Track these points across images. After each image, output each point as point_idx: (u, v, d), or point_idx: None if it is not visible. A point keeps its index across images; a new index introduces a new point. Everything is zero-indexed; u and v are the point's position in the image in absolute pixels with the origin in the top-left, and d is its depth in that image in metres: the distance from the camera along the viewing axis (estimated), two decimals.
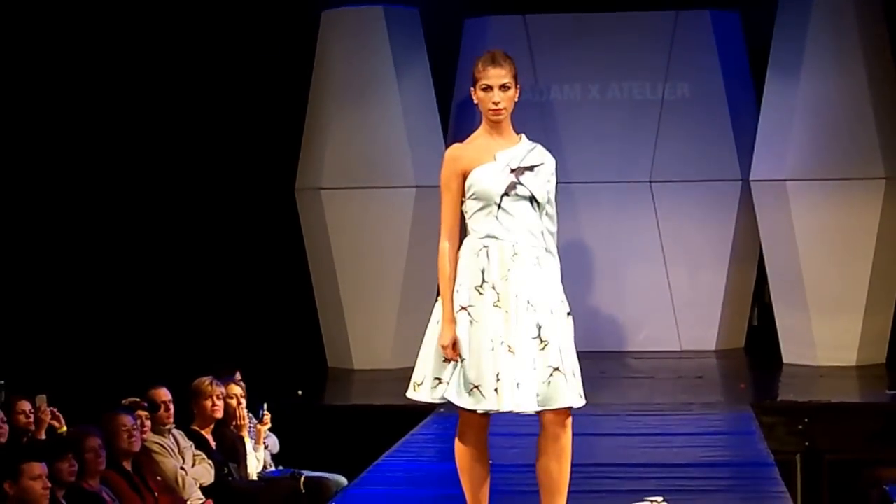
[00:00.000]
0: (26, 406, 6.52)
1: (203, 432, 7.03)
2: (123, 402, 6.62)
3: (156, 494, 6.25)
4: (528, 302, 4.49)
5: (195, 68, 11.31)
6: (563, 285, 4.62)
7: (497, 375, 4.44)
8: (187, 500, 6.55)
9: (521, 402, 4.44)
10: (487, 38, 11.42)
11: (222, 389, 7.11)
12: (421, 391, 4.59)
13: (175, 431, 6.79)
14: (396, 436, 7.57)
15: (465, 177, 4.60)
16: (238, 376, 7.61)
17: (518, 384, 4.44)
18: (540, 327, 4.47)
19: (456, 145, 4.72)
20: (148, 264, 11.34)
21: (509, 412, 4.50)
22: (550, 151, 4.71)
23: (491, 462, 4.74)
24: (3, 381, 7.46)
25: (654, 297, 11.41)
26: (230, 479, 6.97)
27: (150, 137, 11.37)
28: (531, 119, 10.16)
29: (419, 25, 11.14)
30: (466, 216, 4.61)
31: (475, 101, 4.66)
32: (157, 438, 6.61)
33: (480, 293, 4.51)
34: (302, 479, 7.23)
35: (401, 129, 10.87)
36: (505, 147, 4.62)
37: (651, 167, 11.41)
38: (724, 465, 6.72)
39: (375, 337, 10.84)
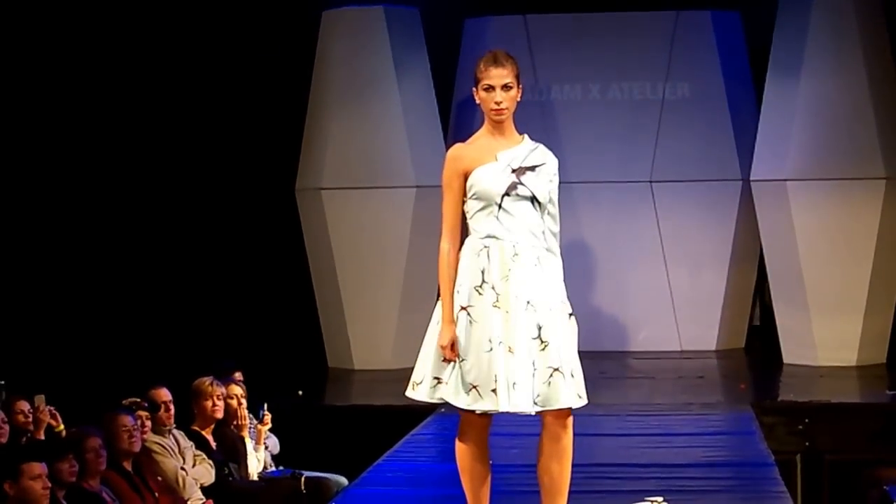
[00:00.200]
0: (25, 406, 6.52)
1: (203, 432, 7.03)
2: (124, 402, 6.62)
3: (156, 495, 6.25)
4: (529, 302, 4.48)
5: (196, 68, 11.31)
6: (564, 285, 4.63)
7: (495, 376, 4.44)
8: (188, 500, 6.55)
9: (520, 402, 4.44)
10: (487, 38, 11.42)
11: (223, 390, 7.11)
12: (420, 391, 4.60)
13: (175, 432, 6.79)
14: (397, 436, 7.57)
15: (466, 177, 4.60)
16: (239, 376, 7.61)
17: (517, 385, 4.44)
18: (540, 328, 4.47)
19: (458, 145, 4.72)
20: (148, 264, 11.34)
21: (508, 412, 4.51)
22: (551, 151, 4.71)
23: (491, 462, 4.74)
24: (3, 382, 7.45)
25: (655, 297, 11.41)
26: (230, 479, 6.97)
27: (150, 138, 11.38)
28: (531, 119, 10.14)
29: (419, 25, 11.15)
30: (467, 216, 4.61)
31: (477, 101, 4.66)
32: (157, 438, 6.61)
33: (480, 293, 4.51)
34: (302, 479, 7.24)
35: (401, 130, 10.87)
36: (507, 147, 4.61)
37: (651, 167, 11.41)
38: (724, 465, 6.72)
39: (376, 337, 10.84)
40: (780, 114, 10.65)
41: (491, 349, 4.46)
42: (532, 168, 4.58)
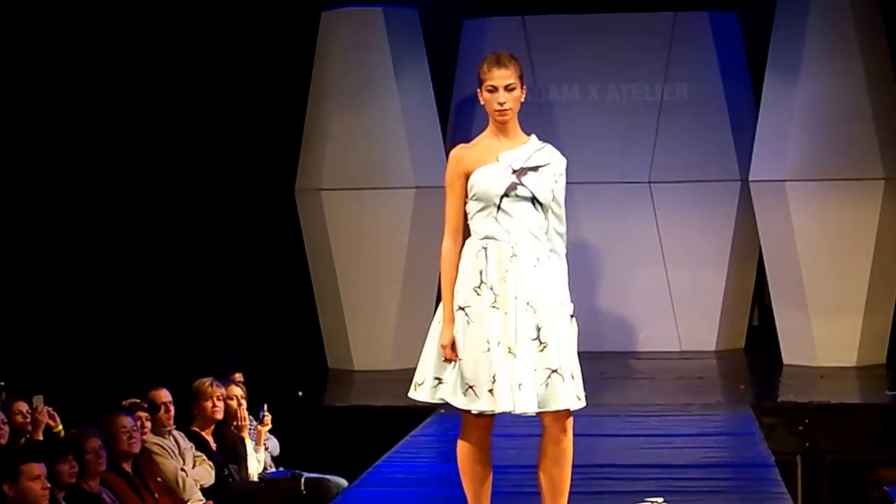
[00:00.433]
0: (23, 407, 6.52)
1: (203, 433, 7.03)
2: (123, 403, 6.62)
3: (156, 496, 6.25)
4: (528, 303, 4.49)
5: (195, 69, 11.31)
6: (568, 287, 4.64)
7: (493, 376, 4.45)
8: (188, 501, 6.54)
9: (521, 403, 4.44)
10: (486, 39, 11.42)
11: (223, 390, 7.11)
12: (421, 391, 4.62)
13: (175, 433, 6.78)
14: (397, 437, 7.57)
15: (467, 177, 4.61)
16: (239, 377, 7.61)
17: (517, 386, 4.44)
18: (539, 329, 4.47)
19: (461, 146, 4.73)
20: (148, 265, 11.34)
21: (507, 413, 4.50)
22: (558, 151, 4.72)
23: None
24: (3, 383, 7.45)
25: (654, 297, 11.41)
26: (230, 480, 6.96)
27: (150, 138, 11.37)
28: (530, 120, 10.04)
29: (418, 26, 11.14)
30: (468, 217, 4.62)
31: (481, 102, 4.66)
32: (157, 439, 6.61)
33: (478, 294, 4.52)
34: (302, 480, 7.23)
35: (400, 130, 10.87)
36: (510, 148, 4.62)
37: (650, 168, 11.41)
38: (724, 465, 6.72)
39: (375, 338, 10.83)
40: (778, 114, 10.65)
41: (488, 349, 4.46)
42: (535, 168, 4.58)
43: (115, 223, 11.28)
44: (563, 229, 4.65)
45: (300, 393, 9.50)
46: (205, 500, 6.65)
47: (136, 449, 6.23)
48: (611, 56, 11.41)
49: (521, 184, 4.55)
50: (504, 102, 4.60)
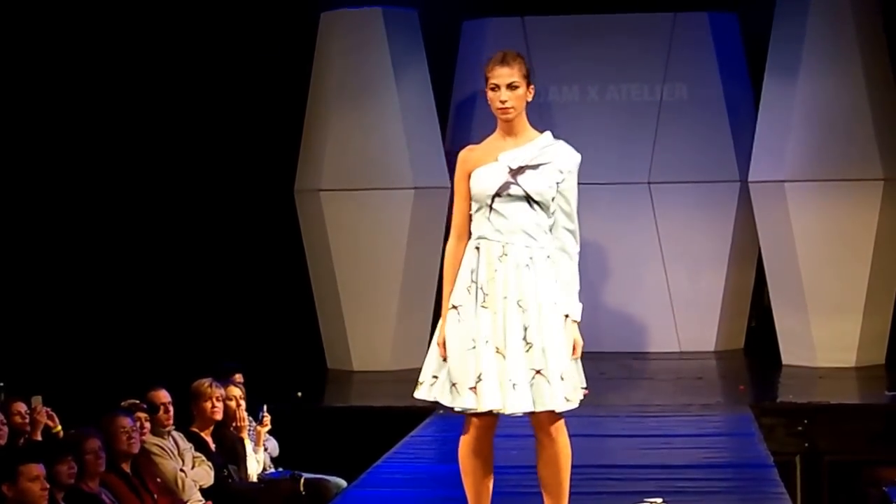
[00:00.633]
0: (22, 408, 6.52)
1: (203, 434, 7.02)
2: (122, 403, 6.62)
3: (155, 496, 6.25)
4: (518, 303, 4.50)
5: (195, 69, 11.31)
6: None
7: (479, 375, 4.46)
8: (187, 501, 6.54)
9: (512, 403, 4.45)
10: (486, 39, 11.42)
11: (222, 391, 7.11)
12: (422, 389, 4.68)
13: (174, 433, 6.78)
14: (396, 437, 7.57)
15: (470, 178, 4.62)
16: (239, 378, 7.60)
17: (510, 385, 4.45)
18: (526, 329, 4.48)
19: (469, 147, 4.76)
20: (147, 265, 11.34)
21: (502, 414, 4.51)
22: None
23: None
24: (1, 383, 7.45)
25: (654, 298, 11.41)
26: (230, 480, 6.96)
27: (149, 138, 11.37)
28: (529, 120, 10.13)
29: (418, 27, 11.14)
30: (471, 217, 4.65)
31: (488, 101, 4.67)
32: (156, 440, 6.61)
33: (469, 293, 4.55)
34: (301, 480, 7.23)
35: (399, 131, 10.87)
36: (513, 147, 4.64)
37: (649, 168, 11.41)
38: (723, 466, 6.72)
39: (374, 338, 10.84)
40: (777, 115, 10.66)
41: (473, 347, 4.48)
42: (535, 167, 4.58)
43: (114, 224, 11.28)
44: (573, 226, 4.62)
45: (299, 393, 9.50)
46: (204, 501, 6.65)
47: (136, 449, 6.23)
48: (610, 57, 11.42)
49: (516, 183, 4.56)
50: (506, 101, 4.61)
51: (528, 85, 4.65)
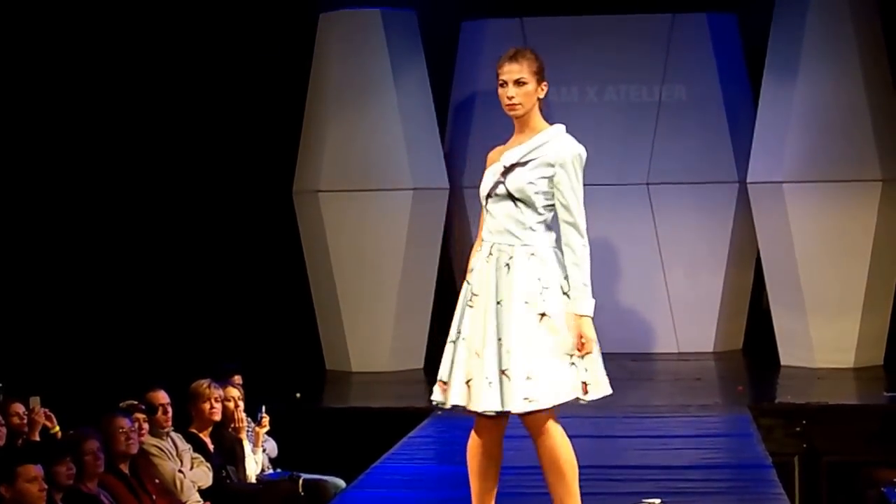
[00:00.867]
0: (20, 408, 6.53)
1: (201, 435, 7.03)
2: (121, 404, 6.62)
3: (154, 497, 6.25)
4: (499, 303, 4.53)
5: (194, 70, 11.31)
6: (562, 286, 4.61)
7: (449, 370, 4.54)
8: (185, 502, 6.54)
9: (474, 401, 4.48)
10: (484, 40, 11.42)
11: (220, 392, 7.11)
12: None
13: (173, 434, 6.79)
14: (394, 438, 7.57)
15: None
16: (238, 379, 7.60)
17: (474, 383, 4.48)
18: (499, 328, 4.49)
19: (496, 147, 4.77)
20: (146, 266, 11.33)
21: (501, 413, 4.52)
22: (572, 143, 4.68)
23: None
24: (0, 384, 7.45)
25: (652, 299, 11.41)
26: (228, 481, 6.97)
27: (148, 139, 11.37)
28: None
29: (416, 28, 11.14)
30: None
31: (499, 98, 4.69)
32: (155, 441, 6.61)
33: (464, 292, 4.64)
34: (300, 481, 7.24)
35: (398, 132, 10.87)
36: (517, 144, 4.65)
37: (648, 169, 11.41)
38: (722, 467, 6.72)
39: (373, 339, 10.83)
40: (776, 116, 10.66)
41: (454, 342, 4.56)
42: (525, 163, 4.58)
43: (113, 224, 11.27)
44: (571, 219, 4.53)
45: (298, 394, 9.50)
46: (202, 502, 6.66)
47: (134, 450, 6.23)
48: (609, 58, 11.41)
49: (503, 181, 4.58)
50: (513, 97, 4.62)
51: (539, 82, 4.63)
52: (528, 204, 4.56)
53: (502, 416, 4.55)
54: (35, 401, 6.68)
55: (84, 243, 11.10)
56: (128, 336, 10.85)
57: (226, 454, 7.08)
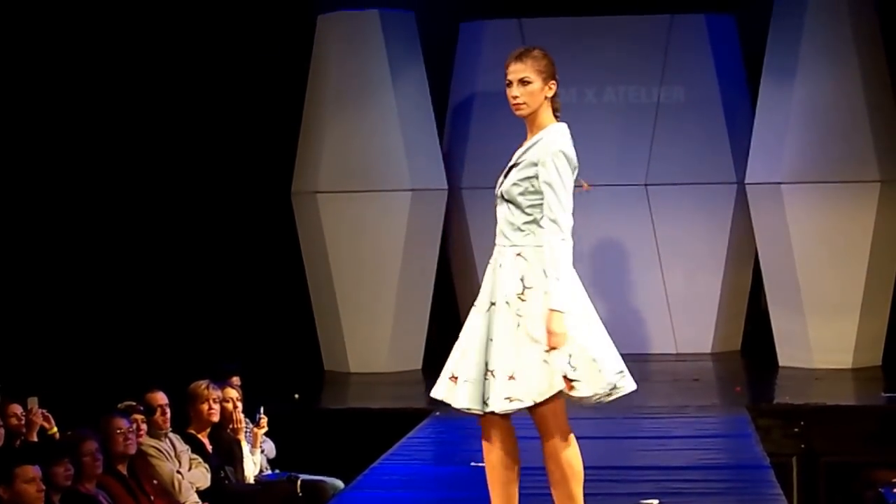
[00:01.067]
0: (18, 409, 6.54)
1: (199, 436, 7.03)
2: (119, 405, 6.62)
3: (152, 498, 6.25)
4: (492, 304, 4.55)
5: (192, 71, 11.31)
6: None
7: (447, 366, 4.58)
8: (184, 503, 6.54)
9: (455, 398, 4.53)
10: (483, 41, 11.42)
11: (219, 393, 7.11)
12: None
13: (171, 435, 6.79)
14: (393, 439, 7.57)
15: None
16: (236, 381, 7.60)
17: (460, 380, 4.51)
18: (489, 328, 4.53)
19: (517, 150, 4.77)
20: (144, 267, 11.33)
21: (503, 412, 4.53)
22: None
23: (483, 464, 4.71)
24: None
25: (650, 299, 11.41)
26: (226, 482, 6.97)
27: (146, 140, 11.37)
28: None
29: (415, 29, 11.14)
30: None
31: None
32: (153, 442, 6.61)
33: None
34: (298, 482, 7.24)
35: (397, 133, 10.87)
36: (522, 145, 4.65)
37: (647, 170, 11.42)
38: (720, 467, 6.72)
39: (371, 340, 10.83)
40: (774, 117, 10.66)
41: (458, 340, 4.59)
42: (518, 164, 4.60)
43: (111, 225, 11.27)
44: (553, 215, 4.46)
45: (296, 395, 9.50)
46: (200, 503, 6.65)
47: (132, 451, 6.23)
48: (607, 59, 11.41)
49: (501, 184, 4.61)
50: (517, 97, 4.59)
51: (545, 81, 4.58)
52: (516, 205, 4.56)
53: (501, 415, 4.54)
54: (33, 401, 6.67)
55: (83, 244, 11.10)
56: (126, 337, 10.85)
57: (224, 455, 7.08)
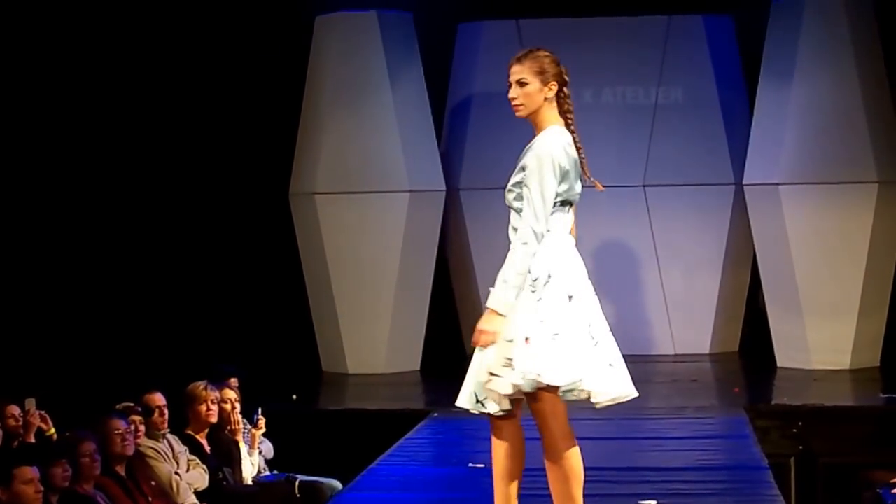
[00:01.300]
0: (15, 410, 6.53)
1: (198, 437, 7.03)
2: (117, 406, 6.61)
3: (150, 499, 6.25)
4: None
5: (190, 73, 11.31)
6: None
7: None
8: None
9: (459, 399, 4.56)
10: (481, 43, 11.43)
11: (217, 394, 7.11)
12: None
13: (169, 436, 6.78)
14: (391, 440, 7.57)
15: None
16: (234, 381, 7.60)
17: (465, 382, 4.55)
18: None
19: None
20: (143, 269, 11.33)
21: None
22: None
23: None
24: None
25: (649, 300, 11.41)
26: (224, 483, 6.96)
27: (145, 141, 11.37)
28: (524, 123, 10.12)
29: (413, 30, 11.14)
30: None
31: None
32: (151, 443, 6.61)
33: None
34: (296, 483, 7.24)
35: (394, 134, 10.87)
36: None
37: (644, 171, 11.42)
38: (718, 468, 6.72)
39: (370, 341, 10.83)
40: (772, 118, 10.67)
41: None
42: (515, 168, 4.61)
43: (109, 226, 11.27)
44: (531, 219, 4.42)
45: (294, 396, 9.50)
46: None
47: (130, 451, 6.23)
48: (605, 60, 11.41)
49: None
50: (515, 97, 4.60)
51: (544, 82, 4.58)
52: (512, 207, 4.57)
53: (508, 414, 4.52)
54: (30, 402, 6.67)
55: (81, 245, 11.10)
56: (124, 338, 10.85)
57: (222, 456, 7.08)
